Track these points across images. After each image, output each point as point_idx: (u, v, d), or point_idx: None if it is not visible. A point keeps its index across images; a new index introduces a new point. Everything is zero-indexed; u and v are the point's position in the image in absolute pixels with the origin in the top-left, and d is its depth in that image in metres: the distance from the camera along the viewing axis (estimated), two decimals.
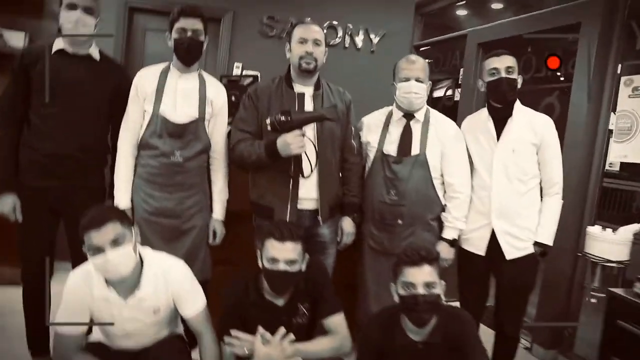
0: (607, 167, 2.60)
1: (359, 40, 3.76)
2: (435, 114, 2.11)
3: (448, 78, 4.00)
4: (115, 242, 1.48)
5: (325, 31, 3.65)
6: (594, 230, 2.34)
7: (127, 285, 1.57)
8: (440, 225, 2.07)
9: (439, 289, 1.53)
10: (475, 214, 2.05)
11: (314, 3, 3.65)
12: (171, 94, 1.97)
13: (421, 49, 4.48)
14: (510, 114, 2.00)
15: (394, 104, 2.12)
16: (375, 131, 2.12)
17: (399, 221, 2.01)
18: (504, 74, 1.94)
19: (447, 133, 2.05)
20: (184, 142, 1.96)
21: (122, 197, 1.97)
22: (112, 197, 2.00)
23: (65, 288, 1.59)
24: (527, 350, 2.82)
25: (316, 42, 1.94)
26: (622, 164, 2.58)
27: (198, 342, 1.71)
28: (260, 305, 1.68)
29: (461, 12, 4.23)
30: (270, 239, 1.63)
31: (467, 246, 2.09)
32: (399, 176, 2.00)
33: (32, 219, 1.96)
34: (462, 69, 3.53)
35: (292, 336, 1.59)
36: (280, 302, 1.70)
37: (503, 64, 1.95)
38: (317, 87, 2.01)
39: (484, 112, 2.08)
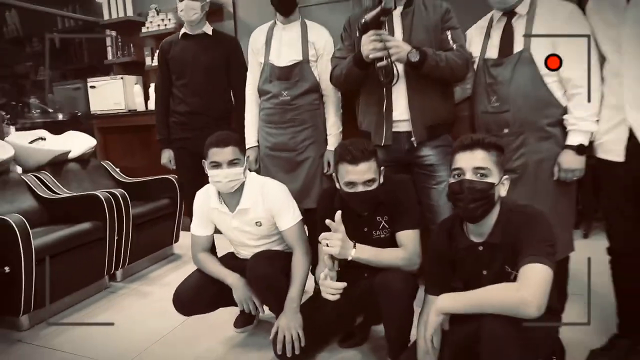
0: None
1: None
2: (545, 1, 1.78)
3: None
4: (231, 163, 1.82)
5: None
6: None
7: (234, 199, 1.90)
8: (566, 133, 1.74)
9: (495, 178, 1.34)
10: (606, 110, 1.65)
11: None
12: (277, 44, 2.25)
13: None
14: None
15: None
16: (477, 41, 1.93)
17: (505, 130, 1.78)
18: None
19: (557, 17, 1.71)
20: (290, 83, 2.21)
21: (250, 138, 2.35)
22: None
23: (194, 203, 2.02)
24: None
25: None
26: None
27: (293, 255, 1.91)
28: (345, 213, 1.70)
29: None
30: (343, 163, 1.64)
31: (602, 153, 1.69)
32: (498, 80, 1.78)
33: (182, 164, 2.59)
34: None
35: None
36: (363, 212, 1.74)
37: None
38: (409, 3, 1.96)
39: None
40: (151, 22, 3.97)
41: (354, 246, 1.61)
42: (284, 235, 1.92)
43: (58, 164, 3.13)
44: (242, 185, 1.90)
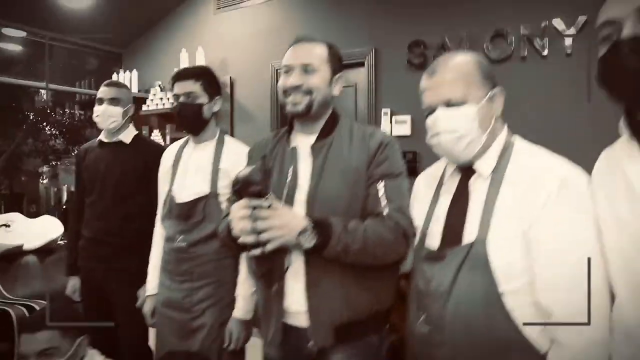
0: None
1: (541, 44, 2.55)
2: (521, 152, 1.06)
3: None
4: None
5: (490, 43, 2.67)
6: None
7: None
8: None
9: None
10: None
11: (470, 11, 2.72)
12: (183, 170, 1.73)
13: None
14: None
15: None
16: (424, 200, 1.23)
17: None
18: None
19: (540, 188, 0.98)
20: (189, 225, 1.66)
21: (150, 283, 1.82)
22: None
23: None
24: None
25: (306, 69, 1.29)
26: None
27: None
28: None
29: None
30: None
31: None
32: (431, 287, 1.06)
33: (87, 299, 2.06)
34: None
35: None
36: None
37: None
38: (326, 134, 1.32)
39: None
40: (152, 99, 3.72)
41: None
42: None
43: (9, 258, 2.84)
44: None
